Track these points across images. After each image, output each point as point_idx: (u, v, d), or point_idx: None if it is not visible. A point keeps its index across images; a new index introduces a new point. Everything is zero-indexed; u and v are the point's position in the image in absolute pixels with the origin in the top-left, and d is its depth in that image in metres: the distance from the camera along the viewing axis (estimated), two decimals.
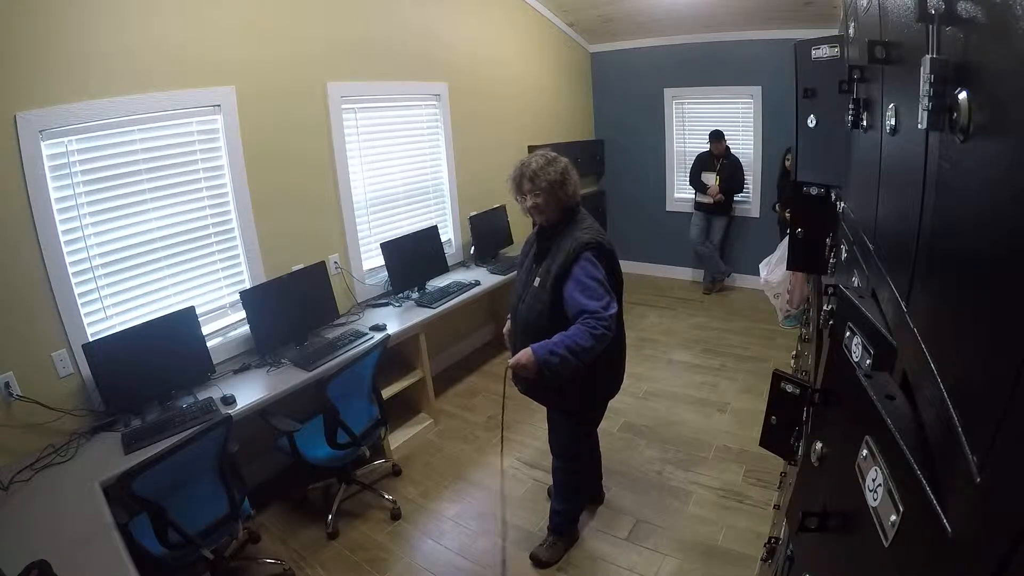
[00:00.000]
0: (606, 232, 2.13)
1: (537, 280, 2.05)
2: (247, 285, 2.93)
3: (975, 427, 0.45)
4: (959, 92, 0.49)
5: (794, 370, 2.24)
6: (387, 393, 3.05)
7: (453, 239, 4.30)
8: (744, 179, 5.17)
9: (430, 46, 3.94)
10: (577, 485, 2.45)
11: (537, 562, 2.37)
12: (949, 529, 0.44)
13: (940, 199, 0.62)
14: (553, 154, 2.10)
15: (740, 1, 4.46)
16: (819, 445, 0.87)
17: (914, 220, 0.70)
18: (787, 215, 4.41)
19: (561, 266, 1.95)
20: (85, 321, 2.34)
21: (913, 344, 0.64)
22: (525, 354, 1.88)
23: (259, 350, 2.80)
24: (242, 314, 2.82)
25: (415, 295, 3.59)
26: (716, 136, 5.03)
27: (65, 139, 2.23)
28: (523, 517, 2.66)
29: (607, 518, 2.62)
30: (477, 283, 3.76)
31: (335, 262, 3.39)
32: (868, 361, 0.80)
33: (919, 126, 0.57)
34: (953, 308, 0.56)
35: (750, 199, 5.44)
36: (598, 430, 2.50)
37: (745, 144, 5.31)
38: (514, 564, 2.40)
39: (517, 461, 3.10)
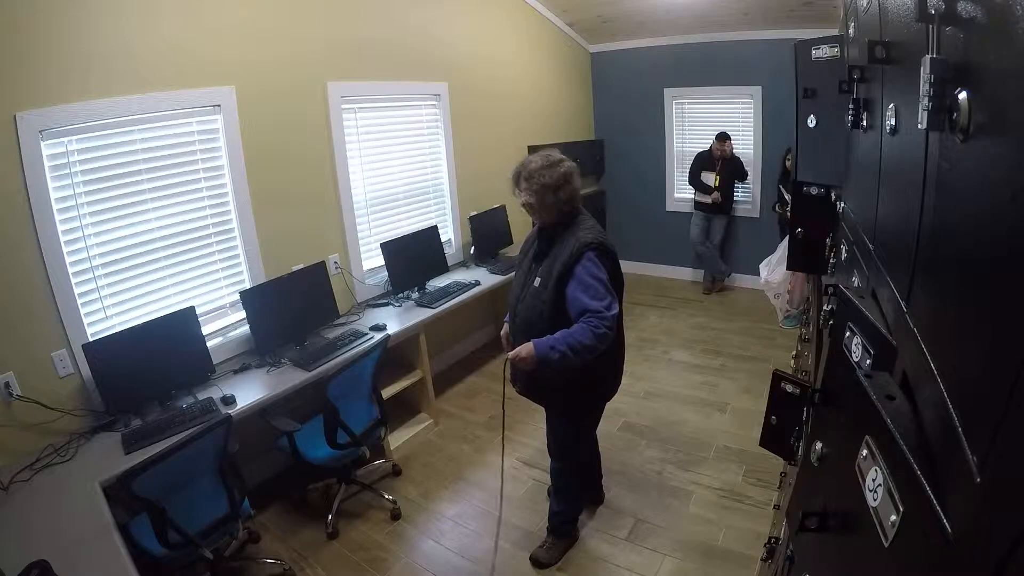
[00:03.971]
0: (607, 233, 2.13)
1: (538, 280, 2.04)
2: (247, 285, 2.93)
3: (975, 427, 0.45)
4: (959, 92, 0.49)
5: (794, 370, 2.24)
6: (387, 393, 3.05)
7: (453, 239, 4.30)
8: (745, 170, 5.18)
9: (430, 46, 3.94)
10: (576, 486, 2.44)
11: (536, 563, 2.37)
12: (949, 529, 0.44)
13: (940, 199, 0.62)
14: (558, 157, 2.05)
15: (740, 1, 4.46)
16: (819, 445, 0.87)
17: (914, 220, 0.70)
18: (786, 211, 4.41)
19: (564, 265, 1.94)
20: (85, 321, 2.34)
21: (913, 344, 0.64)
22: (526, 348, 1.90)
23: (259, 350, 2.80)
24: (242, 314, 2.82)
25: (415, 295, 3.59)
26: (722, 137, 5.02)
27: (65, 139, 2.23)
28: (522, 517, 2.66)
29: (607, 518, 2.62)
30: (477, 283, 3.76)
31: (335, 262, 3.39)
32: (868, 361, 0.80)
33: (919, 126, 0.57)
34: (953, 308, 0.56)
35: (750, 199, 5.44)
36: (598, 431, 2.50)
37: (745, 144, 5.31)
38: (514, 564, 2.40)
39: (517, 461, 3.10)
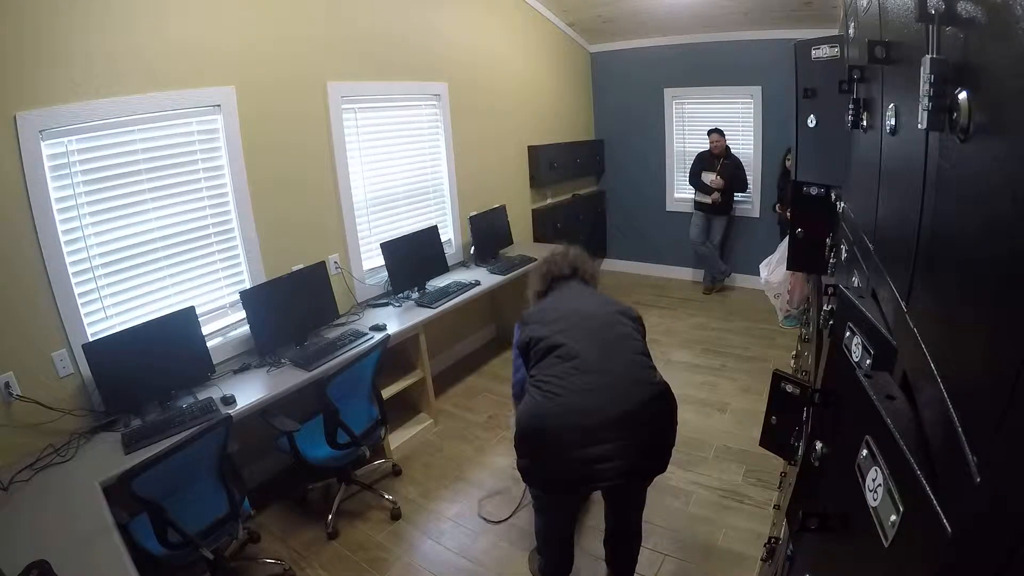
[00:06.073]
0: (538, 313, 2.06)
1: None
2: (247, 285, 2.93)
3: (975, 427, 0.45)
4: (959, 92, 0.49)
5: (794, 370, 2.24)
6: (387, 393, 3.05)
7: (453, 239, 4.30)
8: (746, 178, 5.17)
9: (430, 46, 3.94)
10: (538, 536, 2.17)
11: (530, 564, 2.38)
12: (949, 529, 0.44)
13: (940, 199, 0.62)
14: (546, 261, 2.24)
15: (740, 1, 4.46)
16: (819, 445, 0.87)
17: (914, 220, 0.70)
18: (786, 212, 4.40)
19: None
20: (85, 321, 2.34)
21: (913, 344, 0.64)
22: None
23: (259, 350, 2.80)
24: (242, 314, 2.82)
25: (415, 295, 3.59)
26: (716, 133, 5.02)
27: (65, 139, 2.23)
28: (530, 519, 2.65)
29: None
30: (477, 283, 3.76)
31: (335, 262, 3.39)
32: (868, 361, 0.80)
33: (919, 126, 0.57)
34: (953, 308, 0.56)
35: (750, 199, 5.44)
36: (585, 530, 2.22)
37: (745, 144, 5.31)
38: (519, 567, 2.41)
39: None
